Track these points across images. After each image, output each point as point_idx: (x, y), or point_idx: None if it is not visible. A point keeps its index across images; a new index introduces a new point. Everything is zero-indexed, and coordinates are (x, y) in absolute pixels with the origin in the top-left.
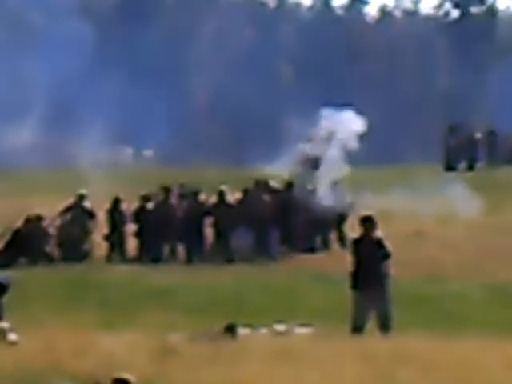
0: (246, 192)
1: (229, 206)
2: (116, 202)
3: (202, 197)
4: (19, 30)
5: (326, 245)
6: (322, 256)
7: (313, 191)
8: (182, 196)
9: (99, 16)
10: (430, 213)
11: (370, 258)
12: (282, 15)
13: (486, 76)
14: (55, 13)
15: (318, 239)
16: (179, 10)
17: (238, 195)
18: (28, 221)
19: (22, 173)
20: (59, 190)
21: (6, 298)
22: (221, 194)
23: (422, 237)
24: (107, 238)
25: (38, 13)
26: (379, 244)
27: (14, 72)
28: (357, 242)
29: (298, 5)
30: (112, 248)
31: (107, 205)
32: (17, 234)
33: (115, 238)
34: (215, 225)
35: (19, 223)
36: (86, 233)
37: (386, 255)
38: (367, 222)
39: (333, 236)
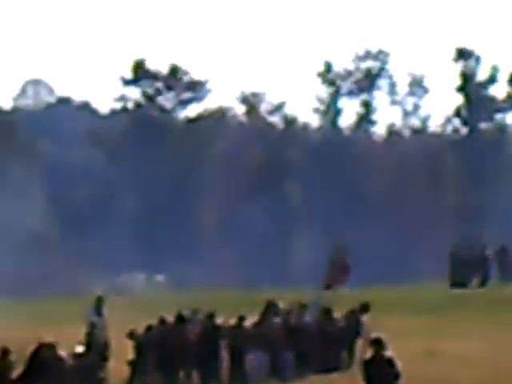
0: (263, 315)
1: (243, 329)
2: (148, 329)
3: (217, 320)
4: (31, 158)
5: (339, 365)
6: (336, 376)
7: (326, 312)
8: (195, 321)
9: (109, 143)
10: (442, 330)
11: (381, 377)
12: (290, 136)
13: (496, 191)
14: (66, 142)
15: (332, 359)
16: (188, 132)
17: (252, 319)
18: (42, 347)
19: (35, 302)
20: (72, 319)
21: None
22: (241, 319)
23: (435, 354)
24: (132, 363)
25: (48, 141)
26: (390, 363)
27: (27, 199)
28: (367, 363)
29: (306, 126)
30: (134, 374)
31: (120, 332)
32: (32, 361)
33: (139, 365)
34: (230, 348)
35: (32, 350)
36: (102, 360)
37: (397, 375)
38: (377, 343)
39: (345, 355)
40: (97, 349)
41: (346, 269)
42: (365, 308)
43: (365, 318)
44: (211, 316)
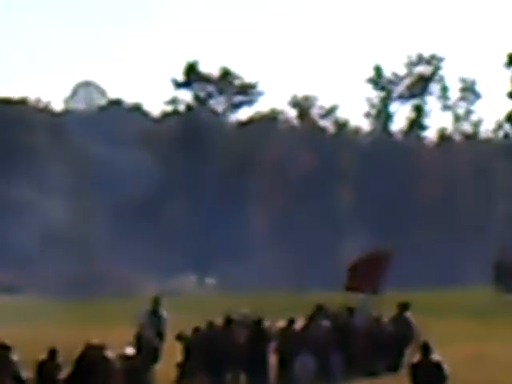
0: (311, 318)
1: (292, 332)
2: (196, 332)
3: (266, 324)
4: (82, 160)
5: (388, 368)
6: (384, 379)
7: (375, 315)
8: (243, 324)
9: (160, 146)
10: (489, 334)
11: (428, 381)
12: (342, 140)
13: None
14: (117, 144)
15: (381, 363)
16: (239, 136)
17: (300, 322)
18: (90, 349)
19: (86, 304)
20: (123, 320)
21: None
22: (291, 322)
23: (483, 358)
24: (180, 365)
25: (99, 144)
26: (437, 367)
27: (77, 201)
28: (415, 366)
29: (357, 130)
30: (182, 376)
31: (170, 333)
32: (80, 362)
33: (187, 367)
34: (278, 351)
35: (80, 351)
36: (151, 362)
37: (444, 378)
38: (424, 347)
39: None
40: (146, 350)
41: (377, 273)
42: (405, 308)
43: (413, 320)
44: (259, 321)
